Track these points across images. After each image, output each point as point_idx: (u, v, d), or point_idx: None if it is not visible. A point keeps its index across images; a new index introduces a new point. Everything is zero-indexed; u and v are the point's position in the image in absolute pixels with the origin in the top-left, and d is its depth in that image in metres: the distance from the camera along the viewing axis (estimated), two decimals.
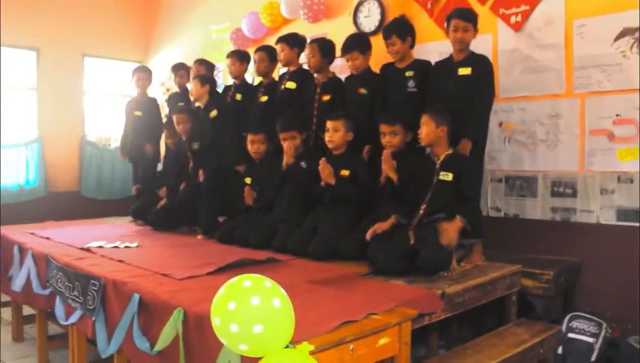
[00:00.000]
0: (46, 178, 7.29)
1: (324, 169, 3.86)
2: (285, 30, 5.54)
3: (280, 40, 4.77)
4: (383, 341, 2.35)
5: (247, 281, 1.82)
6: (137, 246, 4.12)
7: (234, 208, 4.64)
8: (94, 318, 3.00)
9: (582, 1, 4.05)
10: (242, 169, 4.79)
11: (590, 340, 3.59)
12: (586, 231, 4.05)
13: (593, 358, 3.55)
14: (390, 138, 3.76)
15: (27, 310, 4.56)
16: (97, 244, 4.10)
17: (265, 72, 5.01)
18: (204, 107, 4.82)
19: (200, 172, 4.82)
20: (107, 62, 8.16)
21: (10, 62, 7.06)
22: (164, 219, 5.14)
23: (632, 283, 3.78)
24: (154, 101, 6.28)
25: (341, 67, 4.89)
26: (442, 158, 3.55)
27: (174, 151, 5.60)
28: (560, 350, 3.60)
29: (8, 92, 7.06)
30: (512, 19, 4.39)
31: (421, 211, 3.49)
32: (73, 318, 3.25)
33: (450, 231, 3.32)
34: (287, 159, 4.19)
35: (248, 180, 4.63)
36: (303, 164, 4.18)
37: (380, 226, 3.44)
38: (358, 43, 4.27)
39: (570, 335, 3.65)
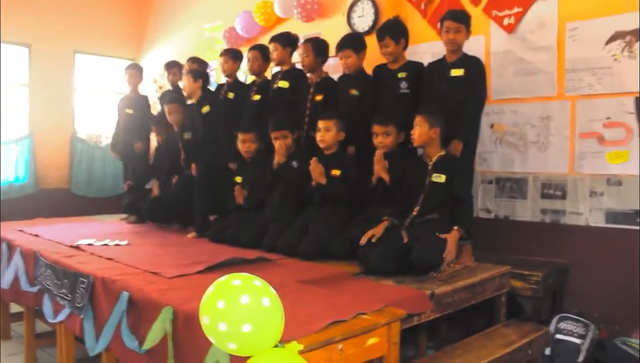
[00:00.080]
0: (36, 174, 7.25)
1: (315, 169, 3.86)
2: (279, 30, 5.54)
3: (273, 39, 4.77)
4: (372, 341, 2.35)
5: (236, 280, 1.82)
6: (127, 244, 4.10)
7: (225, 206, 4.64)
8: (82, 316, 2.98)
9: (574, 4, 4.07)
10: (233, 166, 4.78)
11: (578, 341, 3.61)
12: (575, 233, 4.07)
13: (580, 359, 3.57)
14: (382, 138, 3.77)
15: (14, 308, 4.53)
16: (86, 242, 4.08)
17: (258, 71, 5.01)
18: (197, 103, 4.81)
19: (193, 166, 4.81)
20: (99, 59, 8.12)
21: (1, 58, 7.01)
22: (158, 211, 5.14)
23: (620, 285, 3.80)
24: (145, 99, 6.26)
25: (334, 67, 4.90)
26: (434, 159, 3.56)
27: (164, 146, 5.58)
28: (548, 351, 3.62)
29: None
30: (505, 21, 4.40)
31: (414, 213, 3.50)
32: (61, 316, 3.23)
33: (449, 242, 3.34)
34: (278, 159, 4.18)
35: (239, 179, 4.62)
36: (294, 163, 4.18)
37: (375, 232, 3.43)
38: (352, 42, 4.28)
39: (558, 336, 3.67)
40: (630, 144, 3.84)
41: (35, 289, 3.64)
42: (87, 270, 3.11)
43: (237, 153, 4.64)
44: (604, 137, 3.95)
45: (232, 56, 5.22)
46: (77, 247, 3.92)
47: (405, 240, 3.35)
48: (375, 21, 5.12)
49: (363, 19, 5.28)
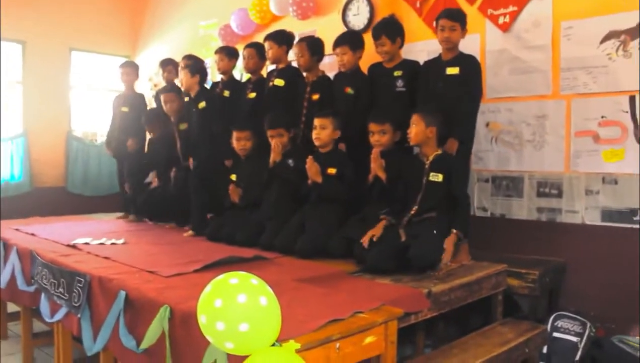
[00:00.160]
0: (31, 173, 7.22)
1: (311, 167, 3.86)
2: (274, 27, 5.54)
3: (268, 38, 4.76)
4: (369, 339, 2.36)
5: (233, 278, 1.82)
6: (123, 243, 4.10)
7: (221, 205, 4.64)
8: (79, 316, 2.98)
9: (569, 3, 4.08)
10: (229, 164, 4.77)
11: (575, 339, 3.62)
12: (571, 231, 4.08)
13: (577, 358, 3.58)
14: (379, 136, 3.77)
15: (11, 307, 4.52)
16: (83, 240, 4.08)
17: (254, 69, 5.00)
18: (194, 98, 4.80)
19: (191, 160, 4.83)
20: (95, 57, 8.08)
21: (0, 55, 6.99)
22: (154, 208, 5.14)
23: (616, 283, 3.81)
24: (141, 97, 6.24)
25: (330, 65, 4.91)
26: (431, 158, 3.56)
27: (159, 140, 5.58)
28: (545, 350, 3.63)
29: None
30: (500, 20, 4.41)
31: (412, 212, 3.50)
32: (58, 316, 3.23)
33: (447, 245, 3.36)
34: (274, 157, 4.18)
35: (233, 177, 4.62)
36: (290, 162, 4.18)
37: (375, 232, 3.43)
38: (350, 39, 4.29)
39: (555, 334, 3.68)
40: (625, 142, 3.86)
41: (32, 288, 3.64)
42: (84, 269, 3.11)
43: (232, 150, 4.64)
44: (599, 135, 3.96)
45: (228, 53, 5.21)
46: (74, 246, 3.92)
47: (403, 239, 3.35)
48: (371, 19, 5.13)
49: (358, 17, 5.28)
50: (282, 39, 4.75)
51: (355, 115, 4.10)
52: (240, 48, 5.30)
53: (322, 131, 3.98)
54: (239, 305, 1.75)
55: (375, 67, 4.25)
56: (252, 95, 4.90)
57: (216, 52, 5.26)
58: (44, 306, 3.42)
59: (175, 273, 3.05)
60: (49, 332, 3.93)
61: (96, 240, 4.14)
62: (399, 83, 4.07)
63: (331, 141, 4.01)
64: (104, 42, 8.06)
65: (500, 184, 4.46)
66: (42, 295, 3.46)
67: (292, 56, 4.80)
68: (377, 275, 3.20)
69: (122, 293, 2.72)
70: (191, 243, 4.28)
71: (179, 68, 5.57)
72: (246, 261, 3.45)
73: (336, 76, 4.45)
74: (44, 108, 7.36)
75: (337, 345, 2.20)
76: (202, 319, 1.79)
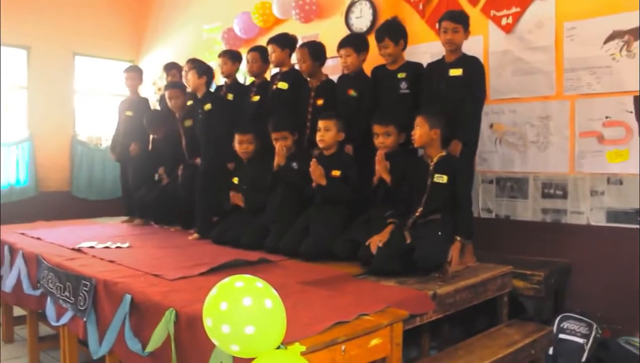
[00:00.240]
0: (37, 177, 7.25)
1: (315, 170, 3.87)
2: (277, 31, 5.54)
3: (271, 41, 4.77)
4: (375, 342, 2.36)
5: (239, 281, 1.82)
6: (128, 247, 4.11)
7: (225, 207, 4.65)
8: (85, 319, 2.99)
9: (572, 4, 4.08)
10: (231, 167, 4.78)
11: (581, 340, 3.61)
12: (576, 232, 4.07)
13: (583, 359, 3.57)
14: (383, 138, 3.77)
15: (17, 311, 4.54)
16: (88, 244, 4.09)
17: (258, 73, 5.01)
18: (200, 99, 4.82)
19: (198, 160, 4.87)
20: (99, 61, 8.12)
21: (0, 61, 7.01)
22: (168, 204, 5.24)
23: (622, 284, 3.80)
24: (145, 101, 6.25)
25: (333, 68, 4.91)
26: (435, 159, 3.56)
27: (163, 139, 5.59)
28: (551, 351, 3.62)
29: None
30: (503, 21, 4.41)
31: (417, 214, 3.50)
32: (64, 319, 3.24)
33: (452, 253, 3.36)
34: (278, 160, 4.18)
35: (235, 180, 4.63)
36: (294, 165, 4.18)
37: (382, 237, 3.42)
38: (354, 41, 4.28)
39: (561, 335, 3.67)
40: (630, 143, 3.85)
41: (38, 292, 3.65)
42: (90, 273, 3.12)
43: (235, 153, 4.65)
44: (604, 136, 3.96)
45: (231, 57, 5.22)
46: (79, 250, 3.93)
47: (408, 241, 3.35)
48: (374, 22, 5.13)
49: (361, 20, 5.29)
50: (285, 42, 4.75)
51: (359, 117, 4.10)
52: (243, 51, 5.31)
53: (326, 133, 3.98)
54: (245, 308, 1.75)
55: (378, 70, 4.25)
56: (256, 98, 4.91)
57: (219, 55, 5.27)
58: (50, 310, 3.43)
59: (180, 276, 3.06)
60: (55, 335, 3.94)
61: (101, 243, 4.15)
62: (403, 85, 4.07)
63: (335, 143, 4.01)
64: (108, 47, 8.09)
65: (504, 186, 4.45)
66: (48, 299, 3.47)
67: (295, 59, 4.80)
68: (382, 277, 3.20)
69: (128, 297, 2.72)
70: (196, 246, 4.29)
71: (183, 71, 5.60)
72: (251, 264, 3.45)
73: (339, 78, 4.45)
74: (48, 113, 7.39)
75: (343, 347, 2.20)
76: (207, 322, 1.79)
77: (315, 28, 5.69)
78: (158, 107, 6.28)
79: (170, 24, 7.77)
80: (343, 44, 4.24)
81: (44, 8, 7.36)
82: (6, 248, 4.23)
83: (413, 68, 4.11)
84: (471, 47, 4.07)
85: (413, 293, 2.89)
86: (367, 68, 4.32)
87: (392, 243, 3.35)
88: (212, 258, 3.50)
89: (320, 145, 4.03)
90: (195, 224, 4.80)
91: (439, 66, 3.93)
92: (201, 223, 4.69)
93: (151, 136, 5.89)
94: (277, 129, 4.24)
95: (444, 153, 3.58)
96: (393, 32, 4.08)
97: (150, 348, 2.46)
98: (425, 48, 4.75)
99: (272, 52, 4.73)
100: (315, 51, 4.47)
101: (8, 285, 4.01)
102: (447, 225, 3.42)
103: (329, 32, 5.41)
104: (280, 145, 4.19)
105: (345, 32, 5.07)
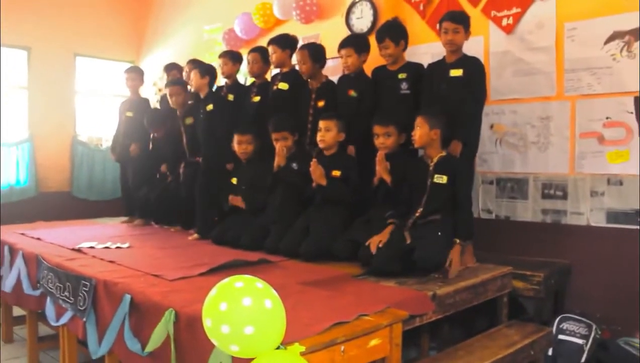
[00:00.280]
0: (37, 178, 7.25)
1: (315, 170, 3.87)
2: (278, 31, 5.54)
3: (272, 42, 4.77)
4: (374, 342, 2.36)
5: (238, 282, 1.82)
6: (128, 247, 4.11)
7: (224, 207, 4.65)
8: (84, 319, 2.99)
9: (573, 4, 4.08)
10: (230, 167, 4.78)
11: (580, 341, 3.61)
12: (576, 233, 4.07)
13: (583, 360, 3.57)
14: (384, 139, 3.77)
15: (17, 311, 4.54)
16: (88, 245, 4.09)
17: (258, 73, 5.01)
18: (203, 100, 4.84)
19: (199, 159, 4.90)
20: (99, 62, 8.11)
21: (1, 62, 7.01)
22: (170, 203, 5.26)
23: (622, 285, 3.80)
24: (146, 102, 6.25)
25: (334, 68, 4.91)
26: (435, 160, 3.56)
27: (164, 138, 5.60)
28: (550, 352, 3.62)
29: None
30: (504, 22, 4.41)
31: (417, 214, 3.50)
32: (64, 319, 3.24)
33: (453, 256, 3.35)
34: (278, 161, 4.18)
35: (234, 180, 4.63)
36: (294, 165, 4.18)
37: (382, 238, 3.42)
38: (355, 41, 4.28)
39: (561, 336, 3.67)
40: (630, 143, 3.85)
41: (37, 292, 3.65)
42: (89, 273, 3.12)
43: (234, 154, 4.65)
44: (604, 137, 3.96)
45: (232, 57, 5.22)
46: (79, 250, 3.93)
47: (408, 241, 3.35)
48: (374, 22, 5.12)
49: (362, 21, 5.29)
50: (286, 43, 4.75)
51: (359, 118, 4.10)
52: (244, 52, 5.31)
53: (327, 133, 3.98)
54: (244, 308, 1.75)
55: (379, 70, 4.25)
56: (257, 99, 4.91)
57: (220, 56, 5.27)
58: (50, 310, 3.43)
59: (180, 276, 3.06)
60: (54, 335, 3.94)
61: (101, 244, 4.15)
62: (404, 86, 4.07)
63: (336, 143, 4.01)
64: (109, 48, 8.09)
65: (504, 186, 4.45)
66: (48, 299, 3.47)
67: (295, 60, 4.80)
68: (382, 277, 3.20)
69: (127, 297, 2.72)
70: (196, 246, 4.29)
71: (184, 72, 5.62)
72: (251, 264, 3.45)
73: (340, 78, 4.45)
74: (49, 113, 7.39)
75: (342, 347, 2.20)
76: (207, 322, 1.79)
77: (316, 29, 5.69)
78: (159, 108, 6.28)
79: (170, 24, 7.77)
80: (344, 44, 4.25)
81: (44, 9, 7.36)
82: (6, 248, 4.23)
83: (414, 69, 4.11)
84: (472, 47, 4.07)
85: (413, 293, 2.89)
86: (368, 69, 4.32)
87: (392, 244, 3.35)
88: (211, 259, 3.51)
89: (321, 145, 4.03)
90: (195, 225, 4.80)
91: (440, 66, 3.93)
92: (201, 223, 4.70)
93: (152, 136, 5.89)
94: (278, 129, 4.24)
95: (444, 153, 3.58)
96: (394, 32, 4.09)
97: (149, 348, 2.46)
98: (426, 49, 4.75)
99: (273, 52, 4.73)
100: (316, 53, 4.46)
101: (8, 285, 4.01)
102: (447, 226, 3.42)
103: (330, 32, 5.41)
104: (280, 146, 4.19)
105: (345, 32, 5.07)
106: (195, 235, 4.67)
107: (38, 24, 7.30)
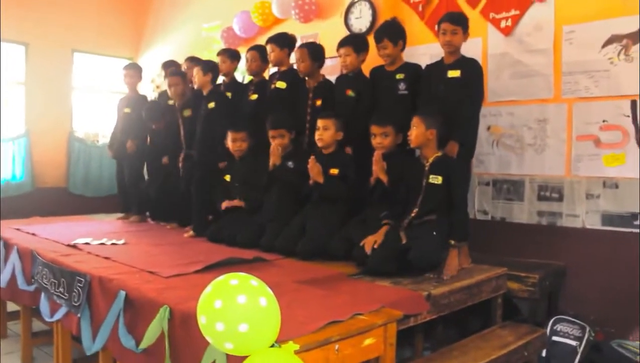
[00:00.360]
0: (33, 173, 7.23)
1: (313, 167, 3.87)
2: (277, 30, 5.55)
3: (270, 40, 4.77)
4: (368, 341, 2.36)
5: (233, 279, 1.83)
6: (123, 244, 4.11)
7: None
8: (79, 315, 2.98)
9: (571, 7, 4.09)
10: (223, 165, 4.78)
11: (574, 343, 3.62)
12: (571, 235, 4.08)
13: (576, 361, 3.58)
14: (381, 139, 3.77)
15: (11, 306, 4.53)
16: (83, 241, 4.08)
17: (257, 72, 5.01)
18: (205, 96, 4.85)
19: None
20: (97, 58, 8.10)
21: (0, 56, 7.00)
22: (157, 208, 5.30)
23: (616, 287, 3.81)
24: (144, 99, 6.24)
25: (332, 68, 4.91)
26: (431, 160, 3.56)
27: (161, 130, 5.58)
28: (544, 353, 3.63)
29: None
30: (502, 24, 4.42)
31: (413, 214, 3.50)
32: (58, 315, 3.23)
33: (449, 259, 3.36)
34: (273, 160, 4.19)
35: (227, 177, 4.63)
36: (290, 164, 4.18)
37: (377, 238, 3.42)
38: (354, 40, 4.29)
39: (555, 338, 3.68)
40: (626, 147, 3.86)
41: (32, 288, 3.65)
42: (84, 269, 3.12)
43: (227, 152, 4.65)
44: (601, 140, 3.97)
45: (230, 55, 5.22)
46: (74, 246, 3.92)
47: (404, 241, 3.35)
48: (373, 22, 5.13)
49: (360, 20, 5.29)
50: (284, 41, 4.75)
51: (356, 118, 4.10)
52: (242, 50, 5.31)
53: (325, 132, 3.99)
54: (239, 305, 1.75)
55: (377, 70, 4.25)
56: (254, 97, 4.91)
57: (218, 54, 5.26)
58: (44, 305, 3.42)
59: (175, 273, 3.06)
60: (48, 331, 3.93)
61: (97, 240, 4.14)
62: (402, 86, 4.06)
63: (334, 142, 4.01)
64: (106, 44, 8.08)
65: (501, 188, 4.46)
66: (42, 295, 3.47)
67: (294, 59, 4.80)
68: (377, 277, 3.20)
69: (122, 293, 2.72)
70: (192, 244, 4.29)
71: (182, 70, 5.61)
72: (246, 262, 3.46)
73: (338, 78, 4.46)
74: (46, 109, 7.38)
75: (337, 346, 2.20)
76: (201, 320, 1.80)
77: (315, 28, 5.69)
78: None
79: (169, 22, 7.76)
80: (343, 43, 4.25)
81: (42, 4, 7.34)
82: (1, 244, 4.22)
83: (412, 69, 4.11)
84: (470, 49, 4.08)
85: (407, 293, 2.90)
86: (366, 69, 4.32)
87: (388, 244, 3.36)
88: (207, 256, 3.51)
89: (319, 144, 4.03)
90: (191, 222, 4.80)
91: (438, 67, 3.93)
92: (197, 221, 4.70)
93: (151, 128, 5.85)
94: (275, 126, 4.24)
95: (439, 154, 3.57)
96: (392, 33, 4.08)
97: (144, 344, 2.46)
98: (425, 49, 4.76)
99: (271, 51, 4.73)
100: (315, 52, 4.47)
101: (2, 280, 4.00)
102: (442, 226, 3.42)
103: (328, 32, 5.41)
104: (275, 145, 4.19)
105: (344, 32, 5.08)
106: (191, 232, 4.67)
107: (36, 19, 7.28)
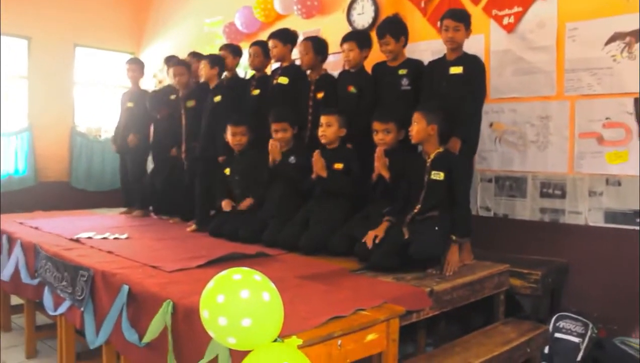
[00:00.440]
0: (36, 167, 7.25)
1: (317, 161, 3.88)
2: (279, 26, 5.53)
3: (273, 36, 4.77)
4: (371, 337, 2.37)
5: (236, 274, 1.83)
6: (126, 238, 4.12)
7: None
8: (82, 309, 2.99)
9: (574, 4, 4.07)
10: (222, 160, 4.79)
11: (577, 340, 3.62)
12: (574, 232, 4.08)
13: (579, 358, 3.58)
14: (383, 135, 3.77)
15: (15, 300, 4.54)
16: (86, 235, 4.10)
17: (259, 67, 5.01)
18: (212, 90, 4.87)
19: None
20: (99, 53, 8.10)
21: (1, 50, 6.99)
22: (160, 202, 5.35)
23: (619, 285, 3.81)
24: (146, 93, 6.25)
25: (334, 64, 4.91)
26: (432, 156, 3.55)
27: (164, 119, 5.58)
28: (546, 350, 3.63)
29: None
30: (505, 20, 4.41)
31: (415, 211, 3.50)
32: (61, 309, 3.24)
33: (449, 255, 3.36)
34: (272, 158, 4.20)
35: (227, 171, 4.64)
36: (292, 159, 4.19)
37: (377, 233, 3.43)
38: (358, 36, 4.29)
39: (557, 334, 3.68)
40: (629, 144, 3.85)
41: (35, 282, 3.66)
42: (87, 263, 3.13)
43: (227, 145, 4.66)
44: (603, 137, 3.96)
45: (232, 51, 5.22)
46: (77, 240, 3.94)
47: (407, 237, 3.35)
48: (375, 18, 5.13)
49: (363, 17, 5.29)
50: (287, 37, 4.76)
51: (358, 114, 4.10)
52: (244, 46, 5.30)
53: (328, 129, 3.99)
54: (242, 300, 1.76)
55: (379, 66, 4.25)
56: (256, 92, 4.92)
57: (220, 49, 5.27)
58: (47, 299, 3.43)
59: (178, 268, 3.07)
60: (52, 325, 3.95)
61: (99, 234, 4.16)
62: (404, 82, 4.06)
63: (337, 138, 4.02)
64: (109, 39, 8.08)
65: (503, 185, 4.46)
66: (46, 289, 3.48)
67: (296, 55, 4.80)
68: (380, 272, 3.21)
69: (125, 288, 2.73)
70: (194, 238, 4.29)
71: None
72: (249, 257, 3.46)
73: (340, 74, 4.46)
74: (48, 103, 7.39)
75: (339, 342, 2.20)
76: (204, 314, 1.80)
77: (317, 24, 5.68)
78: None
79: (171, 17, 7.76)
80: (347, 38, 4.25)
81: None
82: (4, 237, 4.24)
83: (414, 65, 4.10)
84: (472, 46, 4.08)
85: (410, 289, 2.90)
86: (368, 65, 4.32)
87: (390, 239, 3.36)
88: (210, 251, 3.51)
89: (322, 140, 4.03)
90: (194, 216, 4.81)
91: (440, 64, 3.93)
92: (200, 215, 4.71)
93: (155, 117, 5.84)
94: (278, 119, 4.24)
95: (441, 150, 3.56)
96: (394, 28, 4.08)
97: (147, 339, 2.47)
98: (426, 46, 4.76)
99: (274, 47, 4.73)
100: (319, 46, 4.48)
101: (6, 273, 4.02)
102: (444, 221, 3.41)
103: (331, 28, 5.41)
104: (274, 141, 4.19)
105: (346, 28, 5.08)
106: (194, 226, 4.68)
107: (38, 13, 7.29)
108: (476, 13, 4.35)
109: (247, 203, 4.36)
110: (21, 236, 4.05)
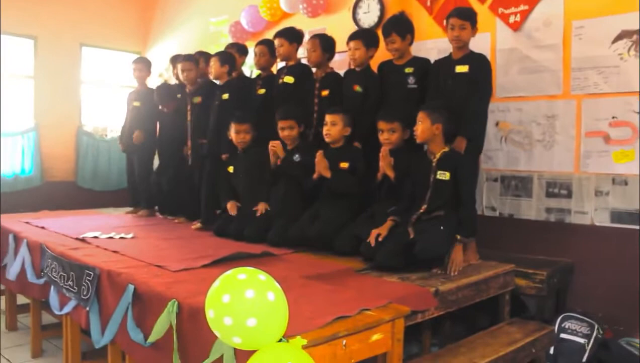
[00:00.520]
0: (42, 167, 7.27)
1: (320, 162, 3.88)
2: (284, 25, 5.52)
3: (279, 35, 4.77)
4: (376, 337, 2.36)
5: (241, 274, 1.83)
6: (132, 238, 4.13)
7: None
8: (88, 309, 3.00)
9: (581, 2, 4.06)
10: (225, 158, 4.79)
11: (582, 340, 3.61)
12: (580, 232, 4.06)
13: (584, 359, 3.57)
14: (388, 135, 3.77)
15: (21, 299, 4.56)
16: (92, 234, 4.11)
17: (265, 66, 5.01)
18: (220, 87, 4.89)
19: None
20: (105, 52, 8.12)
21: (7, 50, 7.02)
22: (166, 202, 5.43)
23: (625, 285, 3.80)
24: (152, 93, 6.26)
25: (340, 63, 4.90)
26: (438, 156, 3.54)
27: (171, 113, 5.59)
28: (552, 350, 3.62)
29: (5, 80, 7.02)
30: (511, 19, 4.39)
31: (421, 210, 3.49)
32: (67, 308, 3.25)
33: (454, 254, 3.35)
34: (274, 160, 4.21)
35: (231, 169, 4.64)
36: (296, 157, 4.19)
37: (381, 231, 3.43)
38: (365, 35, 4.28)
39: (563, 335, 3.67)
40: (636, 143, 3.83)
41: (41, 281, 3.67)
42: (93, 263, 3.14)
43: (230, 143, 4.67)
44: (610, 136, 3.95)
45: (238, 50, 5.24)
46: (83, 240, 3.95)
47: (412, 236, 3.35)
48: (381, 17, 5.12)
49: (368, 15, 5.28)
50: (293, 36, 4.76)
51: (364, 113, 4.10)
52: (250, 45, 5.30)
53: (333, 128, 3.99)
54: (247, 300, 1.76)
55: (385, 65, 4.24)
56: (262, 91, 4.92)
57: (226, 48, 5.27)
58: (53, 298, 3.44)
59: (183, 267, 3.07)
60: (57, 324, 3.96)
61: (105, 234, 4.17)
62: (411, 80, 4.05)
63: (342, 137, 4.01)
64: (115, 38, 8.09)
65: (509, 184, 4.45)
66: (52, 288, 3.49)
67: (301, 54, 4.80)
68: (385, 272, 3.21)
69: (131, 287, 2.73)
70: (200, 238, 4.30)
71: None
72: (254, 257, 3.46)
73: (346, 73, 4.46)
74: (54, 103, 7.41)
75: (344, 342, 2.20)
76: (209, 314, 1.80)
77: (323, 23, 5.68)
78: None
79: (177, 16, 7.77)
80: (353, 36, 4.25)
81: None
82: (11, 237, 4.25)
83: (420, 63, 4.09)
84: (478, 44, 4.06)
85: (415, 289, 2.89)
86: (374, 64, 4.31)
87: (395, 239, 3.36)
88: (215, 251, 3.52)
89: (327, 139, 4.03)
90: (199, 215, 4.83)
91: (446, 62, 3.92)
92: (205, 213, 4.72)
93: (160, 116, 5.85)
94: (285, 117, 4.24)
95: (447, 149, 3.55)
96: (400, 27, 4.07)
97: (152, 338, 2.47)
98: (432, 44, 4.75)
99: (280, 46, 4.73)
100: (326, 43, 4.49)
101: (12, 273, 4.03)
102: (450, 221, 3.40)
103: (336, 27, 5.40)
104: (273, 143, 4.19)
105: (352, 27, 5.07)
106: (199, 224, 4.69)
107: (44, 13, 7.31)
108: (482, 11, 4.33)
109: (261, 207, 4.33)
110: (27, 236, 4.06)
